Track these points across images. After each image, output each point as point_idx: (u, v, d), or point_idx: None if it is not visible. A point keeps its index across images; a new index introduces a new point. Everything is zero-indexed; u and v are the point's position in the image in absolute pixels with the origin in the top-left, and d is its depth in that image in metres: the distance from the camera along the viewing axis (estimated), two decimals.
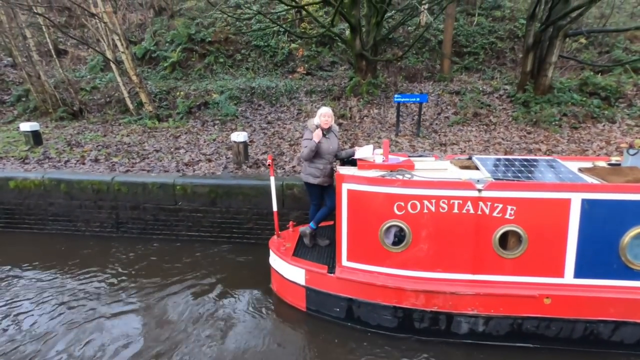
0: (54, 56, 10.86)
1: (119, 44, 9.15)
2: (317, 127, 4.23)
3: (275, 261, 4.49)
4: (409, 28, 12.20)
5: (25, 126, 7.91)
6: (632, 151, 3.75)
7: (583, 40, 11.15)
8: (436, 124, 8.87)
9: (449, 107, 9.41)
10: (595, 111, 8.54)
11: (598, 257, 3.41)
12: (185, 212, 6.20)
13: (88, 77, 11.53)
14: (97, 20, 9.27)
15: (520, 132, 8.22)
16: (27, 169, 6.96)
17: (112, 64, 9.66)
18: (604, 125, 8.30)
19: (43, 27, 10.85)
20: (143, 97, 9.62)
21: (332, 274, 3.98)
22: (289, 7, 10.84)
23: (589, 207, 3.31)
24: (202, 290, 4.82)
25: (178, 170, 6.74)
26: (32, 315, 4.40)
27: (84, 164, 7.16)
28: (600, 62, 10.50)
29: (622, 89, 9.07)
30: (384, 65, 11.20)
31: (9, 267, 5.42)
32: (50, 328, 4.18)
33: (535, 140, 7.74)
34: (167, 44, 12.11)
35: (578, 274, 3.46)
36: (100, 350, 3.86)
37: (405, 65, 11.26)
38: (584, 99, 8.86)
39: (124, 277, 5.14)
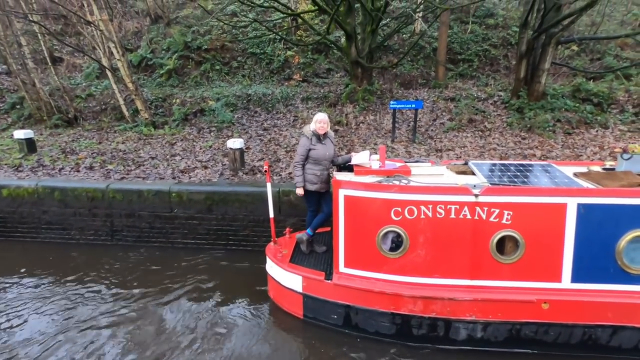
0: (49, 64, 10.83)
1: (114, 51, 9.16)
2: (313, 133, 4.23)
3: (271, 268, 4.45)
4: (404, 36, 12.33)
5: (19, 134, 7.85)
6: (626, 156, 3.78)
7: (575, 48, 11.33)
8: (432, 130, 8.92)
9: (444, 114, 9.47)
10: (588, 117, 8.65)
11: (595, 261, 3.42)
12: (181, 220, 6.15)
13: (83, 84, 11.50)
14: (93, 28, 9.29)
15: (515, 137, 8.29)
16: (20, 176, 6.89)
17: (107, 71, 9.66)
18: (597, 131, 8.40)
19: (38, 34, 10.83)
20: (139, 104, 9.60)
21: (329, 281, 3.95)
22: (285, 15, 10.92)
23: (585, 211, 3.32)
24: (197, 297, 4.77)
25: (174, 177, 6.70)
26: (26, 324, 4.32)
27: (78, 171, 7.10)
28: (592, 68, 10.66)
29: (614, 95, 9.20)
30: (379, 72, 11.29)
31: (2, 276, 5.32)
32: (45, 337, 4.11)
33: (530, 146, 7.80)
34: (163, 52, 12.14)
35: (575, 278, 3.46)
36: (94, 358, 3.79)
37: (401, 72, 11.35)
38: (577, 105, 8.97)
39: (119, 286, 5.07)
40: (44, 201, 6.38)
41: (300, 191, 4.33)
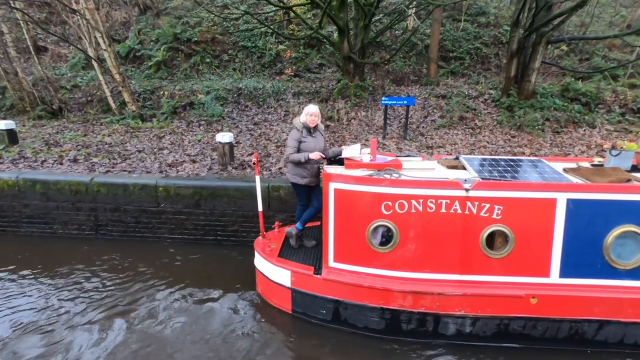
0: (33, 53, 10.51)
1: (101, 41, 8.91)
2: (304, 125, 4.16)
3: (260, 262, 4.38)
4: (397, 32, 12.31)
5: (0, 124, 7.58)
6: (614, 152, 3.81)
7: (564, 48, 11.47)
8: (423, 127, 8.92)
9: (435, 111, 9.49)
10: (577, 116, 8.76)
11: (583, 256, 3.44)
12: (168, 214, 6.02)
13: (69, 75, 11.19)
14: (79, 17, 9.02)
15: (505, 135, 8.35)
16: (0, 168, 6.65)
17: (94, 62, 9.40)
18: (584, 130, 8.51)
19: (21, 22, 10.48)
20: (126, 97, 9.38)
21: (318, 275, 3.89)
22: (277, 8, 10.79)
23: (574, 207, 3.33)
24: (185, 293, 4.66)
25: (161, 171, 6.56)
26: (5, 319, 4.18)
27: (62, 164, 6.89)
28: (581, 68, 10.80)
29: (601, 95, 9.34)
30: (371, 68, 11.25)
31: None
32: (25, 332, 3.96)
33: (519, 144, 7.86)
34: (152, 43, 11.88)
35: (563, 273, 3.48)
36: (74, 357, 3.67)
37: (393, 69, 11.33)
38: (566, 104, 9.08)
39: (102, 280, 4.93)
40: (25, 194, 6.17)
41: (314, 155, 4.03)
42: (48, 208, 6.20)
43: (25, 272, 5.12)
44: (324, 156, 4.15)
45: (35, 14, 12.40)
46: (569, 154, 7.34)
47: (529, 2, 8.57)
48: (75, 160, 7.02)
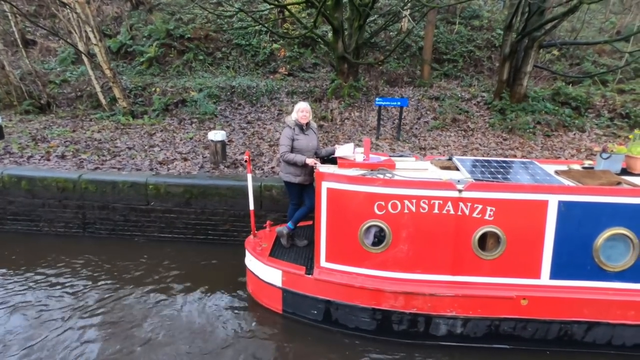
0: (21, 46, 10.28)
1: (91, 36, 8.75)
2: (296, 122, 4.12)
3: (251, 262, 4.32)
4: (391, 33, 12.34)
5: None
6: (605, 155, 3.85)
7: (556, 52, 11.62)
8: (416, 128, 8.95)
9: (428, 112, 9.52)
10: (567, 120, 8.87)
11: (573, 258, 3.46)
12: (157, 213, 5.92)
13: (58, 69, 10.97)
14: (69, 11, 8.84)
15: (497, 138, 8.41)
16: None
17: (84, 56, 9.22)
18: (574, 134, 8.62)
19: (9, 15, 10.24)
20: (117, 93, 9.22)
21: (309, 275, 3.85)
22: (271, 7, 10.73)
23: (565, 209, 3.35)
24: (174, 293, 4.58)
25: (151, 169, 6.45)
26: None
27: (49, 160, 6.74)
28: (572, 73, 10.95)
29: (591, 100, 9.48)
30: (365, 68, 11.25)
31: None
32: (9, 332, 3.85)
33: (511, 147, 7.92)
34: (144, 39, 11.71)
35: (554, 275, 3.49)
36: (58, 357, 3.57)
37: (387, 70, 11.36)
38: (557, 108, 9.19)
39: (88, 280, 4.82)
40: (10, 191, 6.01)
41: (310, 161, 4.02)
42: (34, 205, 6.05)
43: (8, 270, 4.98)
44: (319, 163, 4.13)
45: (24, 6, 12.14)
46: (559, 157, 7.42)
47: (522, 6, 8.65)
48: (62, 157, 6.87)
